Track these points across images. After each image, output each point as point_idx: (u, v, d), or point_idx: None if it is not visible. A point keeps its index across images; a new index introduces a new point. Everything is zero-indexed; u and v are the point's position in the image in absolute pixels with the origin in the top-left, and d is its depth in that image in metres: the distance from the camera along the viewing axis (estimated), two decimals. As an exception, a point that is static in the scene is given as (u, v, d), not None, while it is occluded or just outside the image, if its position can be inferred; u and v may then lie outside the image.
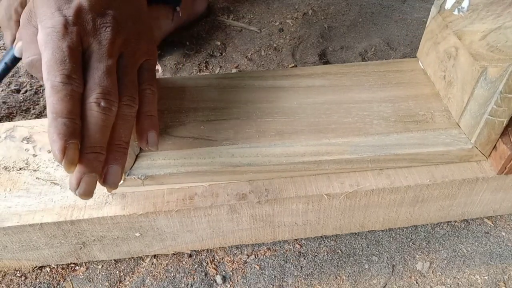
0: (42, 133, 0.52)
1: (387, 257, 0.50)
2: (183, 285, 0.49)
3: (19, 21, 0.42)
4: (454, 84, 0.46)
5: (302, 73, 0.54)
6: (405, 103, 0.50)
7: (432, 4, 0.49)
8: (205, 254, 0.51)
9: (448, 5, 0.46)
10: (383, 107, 0.50)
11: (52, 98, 0.35)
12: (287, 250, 0.51)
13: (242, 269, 0.50)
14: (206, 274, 0.50)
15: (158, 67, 0.73)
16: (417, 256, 0.50)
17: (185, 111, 0.50)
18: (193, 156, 0.45)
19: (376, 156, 0.45)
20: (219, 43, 0.82)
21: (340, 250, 0.51)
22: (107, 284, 0.49)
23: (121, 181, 0.44)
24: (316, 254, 0.51)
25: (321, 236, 0.52)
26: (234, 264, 0.50)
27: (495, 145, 0.46)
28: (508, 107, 0.42)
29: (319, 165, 0.45)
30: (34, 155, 0.50)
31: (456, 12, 0.45)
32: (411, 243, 0.52)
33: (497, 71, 0.40)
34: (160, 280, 0.49)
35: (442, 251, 0.51)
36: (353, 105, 0.50)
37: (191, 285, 0.49)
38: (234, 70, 0.76)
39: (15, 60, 0.71)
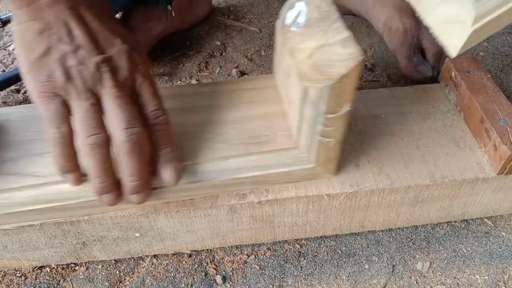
0: (42, 133, 0.52)
1: (387, 257, 0.50)
2: (183, 285, 0.49)
3: None
4: (292, 104, 0.44)
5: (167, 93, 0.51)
6: (252, 123, 0.48)
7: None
8: (205, 254, 0.51)
9: (288, 20, 0.42)
10: (228, 128, 0.47)
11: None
12: (287, 250, 0.51)
13: (242, 269, 0.50)
14: (206, 274, 0.50)
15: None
16: (417, 256, 0.50)
17: None
18: None
19: (215, 182, 0.43)
20: (219, 43, 0.82)
21: (340, 250, 0.51)
22: (107, 284, 0.49)
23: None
24: (316, 254, 0.51)
25: (321, 236, 0.52)
26: (234, 264, 0.50)
27: (495, 145, 0.46)
28: (336, 127, 0.40)
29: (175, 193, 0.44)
30: (34, 155, 0.50)
31: (294, 28, 0.41)
32: (411, 243, 0.52)
33: (317, 92, 0.37)
34: (160, 280, 0.49)
35: (442, 251, 0.51)
36: (198, 128, 0.48)
37: (191, 285, 0.49)
38: (234, 70, 0.76)
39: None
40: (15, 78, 0.73)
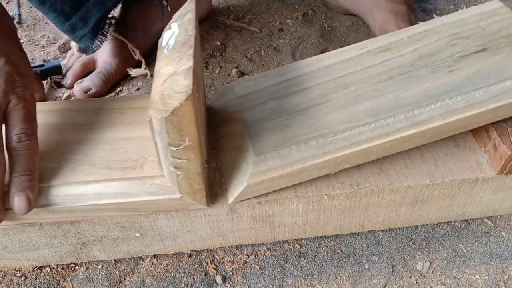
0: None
1: (387, 257, 0.50)
2: (183, 285, 0.49)
3: None
4: None
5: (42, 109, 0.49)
6: (125, 145, 0.45)
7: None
8: (205, 254, 0.51)
9: (163, 42, 0.40)
10: (99, 150, 0.45)
11: None
12: (287, 250, 0.51)
13: (242, 269, 0.50)
14: (206, 274, 0.50)
15: (146, 71, 0.72)
16: (417, 256, 0.50)
17: None
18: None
19: (74, 207, 0.42)
20: (219, 43, 0.82)
21: (340, 250, 0.51)
22: (107, 284, 0.49)
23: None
24: (316, 254, 0.51)
25: (321, 236, 0.52)
26: (234, 264, 0.50)
27: (495, 145, 0.46)
28: (188, 159, 0.38)
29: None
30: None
31: (165, 50, 0.39)
32: (411, 243, 0.52)
33: (158, 122, 0.35)
34: (160, 280, 0.49)
35: (442, 251, 0.51)
36: (70, 148, 0.45)
37: (191, 285, 0.49)
38: (234, 70, 0.76)
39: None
40: None
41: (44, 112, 0.49)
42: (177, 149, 0.37)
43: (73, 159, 0.44)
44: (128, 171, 0.43)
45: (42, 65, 0.75)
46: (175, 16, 0.42)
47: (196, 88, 0.37)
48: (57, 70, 0.75)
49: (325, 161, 0.42)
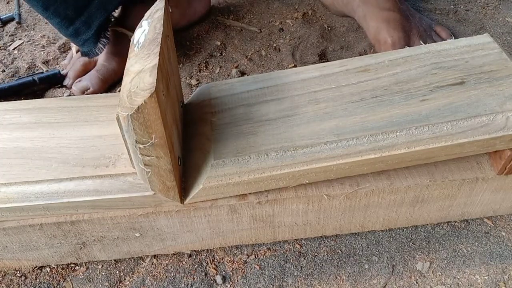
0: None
1: (387, 257, 0.50)
2: (183, 285, 0.49)
3: None
4: None
5: (9, 108, 0.50)
6: (99, 143, 0.46)
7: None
8: (205, 254, 0.51)
9: (135, 39, 0.40)
10: (72, 148, 0.45)
11: None
12: (287, 250, 0.51)
13: (242, 269, 0.50)
14: (206, 274, 0.50)
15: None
16: (417, 256, 0.50)
17: None
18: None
19: (48, 204, 0.42)
20: (219, 43, 0.82)
21: (340, 250, 0.51)
22: (107, 284, 0.49)
23: None
24: (316, 254, 0.51)
25: (321, 236, 0.52)
26: (234, 264, 0.50)
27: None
28: (157, 156, 0.38)
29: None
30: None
31: (136, 48, 0.39)
32: (411, 243, 0.52)
33: (124, 120, 0.35)
34: (160, 280, 0.49)
35: (442, 251, 0.51)
36: (45, 145, 0.46)
37: (191, 285, 0.49)
38: (234, 70, 0.76)
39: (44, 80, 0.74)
40: (15, 89, 0.73)
41: (19, 111, 0.49)
42: (144, 146, 0.37)
43: (47, 157, 0.44)
44: (101, 169, 0.43)
45: (41, 73, 0.75)
46: (146, 14, 0.43)
47: (164, 86, 0.38)
48: (56, 77, 0.75)
49: (283, 173, 0.42)
